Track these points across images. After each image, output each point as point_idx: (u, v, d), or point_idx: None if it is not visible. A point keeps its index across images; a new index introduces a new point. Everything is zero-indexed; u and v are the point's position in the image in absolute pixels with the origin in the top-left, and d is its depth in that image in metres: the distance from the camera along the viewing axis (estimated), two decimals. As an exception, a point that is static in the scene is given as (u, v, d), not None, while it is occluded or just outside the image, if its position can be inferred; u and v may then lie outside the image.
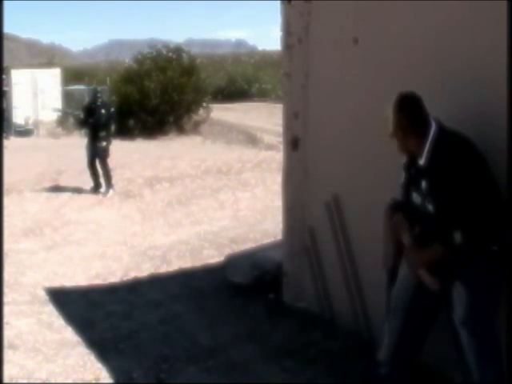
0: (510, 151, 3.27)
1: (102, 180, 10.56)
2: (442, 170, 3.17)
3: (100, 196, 10.25)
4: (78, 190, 10.55)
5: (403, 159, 3.53)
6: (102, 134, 10.49)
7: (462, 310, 3.22)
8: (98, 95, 11.21)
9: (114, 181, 10.61)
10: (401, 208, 3.51)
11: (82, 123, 11.30)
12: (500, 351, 3.23)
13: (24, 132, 20.15)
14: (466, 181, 3.11)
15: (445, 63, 3.71)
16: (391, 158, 4.13)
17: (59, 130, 20.71)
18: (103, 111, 10.69)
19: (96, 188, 10.49)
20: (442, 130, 3.28)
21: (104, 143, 10.51)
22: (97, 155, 10.51)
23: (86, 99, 22.04)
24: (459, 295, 3.21)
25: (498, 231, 3.11)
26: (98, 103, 10.87)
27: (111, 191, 10.40)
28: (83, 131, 10.82)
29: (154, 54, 20.65)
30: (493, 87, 3.40)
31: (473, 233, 3.10)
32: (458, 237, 3.08)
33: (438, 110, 3.78)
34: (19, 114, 20.86)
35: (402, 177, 3.49)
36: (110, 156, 10.63)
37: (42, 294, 5.64)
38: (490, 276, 3.18)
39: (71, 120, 21.12)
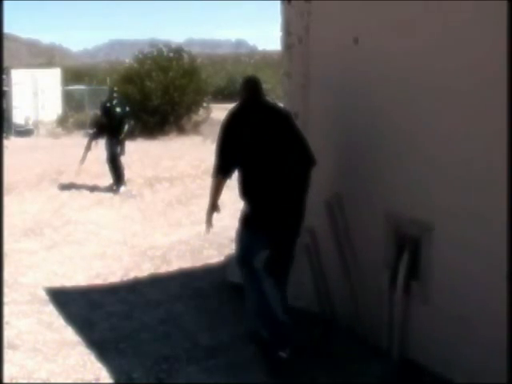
0: (510, 151, 3.27)
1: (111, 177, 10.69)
2: None
3: (107, 194, 10.31)
4: (78, 190, 10.56)
5: (403, 159, 3.54)
6: (118, 132, 10.57)
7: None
8: (114, 94, 11.30)
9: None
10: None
11: (101, 126, 11.30)
12: None
13: (24, 132, 20.15)
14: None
15: (445, 63, 3.71)
16: (391, 157, 4.14)
17: (59, 129, 20.72)
18: (119, 110, 10.77)
19: (117, 184, 10.58)
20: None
21: (120, 142, 10.66)
22: (115, 153, 10.62)
23: (86, 99, 22.20)
24: None
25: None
26: (114, 102, 10.92)
27: (123, 188, 10.49)
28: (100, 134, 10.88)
29: (155, 53, 20.63)
30: (493, 87, 3.40)
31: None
32: None
33: (436, 107, 3.80)
34: (19, 114, 20.86)
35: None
36: (124, 154, 10.80)
37: (42, 294, 5.63)
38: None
39: (71, 120, 21.15)
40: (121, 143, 10.71)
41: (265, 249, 4.01)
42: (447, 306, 3.79)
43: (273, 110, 4.32)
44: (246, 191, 4.10)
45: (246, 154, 4.04)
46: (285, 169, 4.02)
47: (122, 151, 10.75)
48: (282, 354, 4.01)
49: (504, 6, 3.25)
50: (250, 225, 4.12)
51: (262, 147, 4.03)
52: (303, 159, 4.15)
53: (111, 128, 10.63)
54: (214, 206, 4.37)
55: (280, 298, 4.10)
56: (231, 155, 4.10)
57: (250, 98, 4.27)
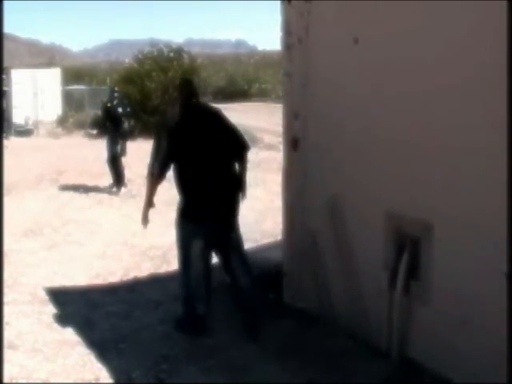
0: (510, 151, 3.28)
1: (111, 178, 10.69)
2: None
3: (107, 194, 10.31)
4: (78, 190, 10.55)
5: (403, 159, 3.54)
6: (119, 132, 10.58)
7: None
8: (115, 94, 11.28)
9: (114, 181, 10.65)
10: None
11: (103, 127, 11.28)
12: None
13: (24, 132, 20.14)
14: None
15: (446, 63, 3.72)
16: (392, 158, 4.14)
17: (59, 129, 20.70)
18: (120, 110, 10.76)
19: (117, 184, 10.57)
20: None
21: (121, 142, 10.66)
22: (116, 153, 10.62)
23: (86, 99, 22.20)
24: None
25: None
26: (115, 102, 10.91)
27: (123, 189, 10.48)
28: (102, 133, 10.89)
29: (155, 53, 20.62)
30: (493, 87, 3.40)
31: None
32: None
33: (436, 107, 3.80)
34: (19, 114, 20.85)
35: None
36: (126, 155, 10.78)
37: (42, 294, 5.63)
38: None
39: (71, 120, 21.14)
40: (122, 143, 10.70)
41: (200, 238, 4.41)
42: (447, 306, 3.79)
43: (204, 110, 4.70)
44: (181, 186, 4.47)
45: (180, 153, 4.42)
46: (216, 165, 4.39)
47: (124, 152, 10.73)
48: (200, 310, 4.58)
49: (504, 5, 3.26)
50: (185, 216, 4.50)
51: (195, 146, 4.37)
52: (237, 147, 4.57)
53: (112, 128, 10.63)
54: (150, 203, 4.67)
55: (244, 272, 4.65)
56: (169, 158, 4.45)
57: (184, 101, 4.59)
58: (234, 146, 4.55)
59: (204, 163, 4.37)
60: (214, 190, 4.36)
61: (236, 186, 4.53)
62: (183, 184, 4.45)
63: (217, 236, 4.47)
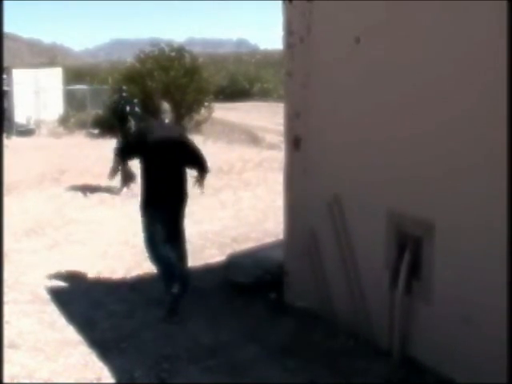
0: (510, 150, 3.27)
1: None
2: None
3: (109, 193, 10.30)
4: (79, 190, 10.55)
5: (405, 158, 3.53)
6: (127, 131, 10.55)
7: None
8: (124, 94, 11.24)
9: (115, 180, 10.62)
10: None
11: (111, 126, 11.25)
12: None
13: (26, 132, 20.13)
14: None
15: (447, 62, 3.71)
16: (392, 158, 4.14)
17: (61, 129, 20.70)
18: (128, 109, 10.74)
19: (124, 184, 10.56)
20: None
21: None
22: None
23: (88, 99, 22.20)
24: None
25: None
26: (123, 102, 10.89)
27: (125, 189, 10.46)
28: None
29: (157, 53, 20.61)
30: (493, 88, 3.40)
31: None
32: None
33: (438, 109, 3.80)
34: (21, 113, 20.85)
35: None
36: None
37: (44, 294, 5.64)
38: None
39: (72, 120, 21.13)
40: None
41: (159, 223, 5.33)
42: (449, 305, 3.78)
43: (171, 129, 5.91)
44: (147, 182, 5.52)
45: (145, 157, 5.50)
46: (168, 167, 5.42)
47: None
48: (174, 290, 5.13)
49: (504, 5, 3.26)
50: (147, 203, 5.49)
51: (160, 156, 5.43)
52: (197, 164, 5.61)
53: (119, 127, 10.60)
54: (114, 171, 6.58)
55: (178, 257, 5.40)
56: (129, 152, 5.89)
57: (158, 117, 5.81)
58: (193, 163, 5.60)
59: (164, 169, 5.42)
60: (169, 188, 5.44)
61: (183, 190, 5.55)
62: (148, 181, 5.51)
63: (168, 219, 5.41)
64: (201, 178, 5.67)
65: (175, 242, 5.45)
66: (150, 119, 6.57)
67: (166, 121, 5.78)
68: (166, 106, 6.01)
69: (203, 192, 5.74)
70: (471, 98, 3.58)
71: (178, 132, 6.01)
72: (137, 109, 11.23)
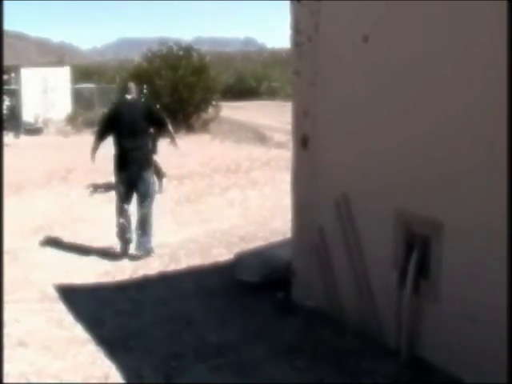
0: (510, 150, 3.26)
1: None
2: None
3: (113, 192, 10.28)
4: (87, 188, 10.58)
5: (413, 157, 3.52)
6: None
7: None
8: (144, 91, 11.20)
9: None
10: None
11: None
12: None
13: (34, 130, 20.22)
14: None
15: (448, 62, 3.70)
16: (401, 156, 4.13)
17: (69, 128, 20.77)
18: None
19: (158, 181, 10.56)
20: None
21: (151, 140, 10.57)
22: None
23: (96, 97, 22.25)
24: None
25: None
26: (142, 100, 10.87)
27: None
28: None
29: (164, 51, 20.65)
30: (493, 88, 3.39)
31: None
32: None
33: (442, 106, 3.79)
34: (29, 112, 20.94)
35: None
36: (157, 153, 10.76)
37: (52, 292, 5.66)
38: None
39: (80, 119, 21.19)
40: (152, 141, 10.54)
41: (126, 183, 6.91)
42: (457, 304, 3.77)
43: (134, 103, 7.28)
44: (115, 147, 6.89)
45: (115, 127, 6.89)
46: (136, 135, 6.85)
47: (154, 150, 10.56)
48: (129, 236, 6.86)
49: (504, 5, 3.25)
50: (118, 165, 6.89)
51: (123, 122, 6.86)
52: (158, 123, 7.40)
53: None
54: (94, 152, 7.16)
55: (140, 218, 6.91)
56: (105, 129, 7.11)
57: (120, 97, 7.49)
58: (156, 123, 7.33)
59: (129, 134, 6.81)
60: (134, 150, 6.81)
61: (147, 151, 7.15)
62: (117, 146, 6.88)
63: (134, 177, 6.85)
64: (171, 138, 7.54)
65: (141, 202, 6.87)
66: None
67: (132, 97, 7.17)
68: (131, 85, 7.39)
69: (178, 148, 7.71)
70: (470, 98, 3.57)
71: (143, 106, 7.60)
72: (157, 106, 11.21)
